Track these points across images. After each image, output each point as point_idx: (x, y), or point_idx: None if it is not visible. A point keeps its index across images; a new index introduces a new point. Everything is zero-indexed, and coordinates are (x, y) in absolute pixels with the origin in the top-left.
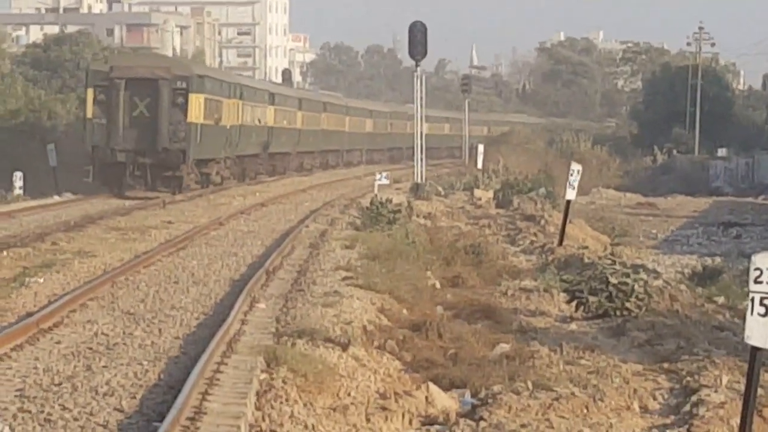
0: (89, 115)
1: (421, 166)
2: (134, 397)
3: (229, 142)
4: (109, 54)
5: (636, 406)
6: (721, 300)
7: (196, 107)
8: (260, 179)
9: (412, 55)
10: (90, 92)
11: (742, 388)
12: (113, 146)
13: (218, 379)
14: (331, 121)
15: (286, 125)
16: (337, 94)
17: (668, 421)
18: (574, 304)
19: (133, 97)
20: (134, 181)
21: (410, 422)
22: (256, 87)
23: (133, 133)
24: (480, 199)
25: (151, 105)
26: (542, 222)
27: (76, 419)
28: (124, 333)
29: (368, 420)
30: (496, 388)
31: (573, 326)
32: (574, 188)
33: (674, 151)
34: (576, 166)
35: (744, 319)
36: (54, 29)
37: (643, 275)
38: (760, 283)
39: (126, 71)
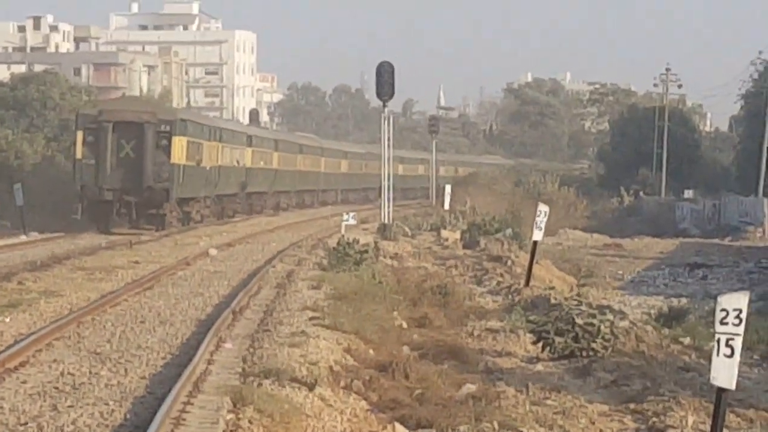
0: (79, 155)
1: (389, 206)
2: None
3: (209, 182)
4: (87, 96)
5: None
6: (687, 341)
7: (179, 149)
8: (227, 220)
9: (379, 95)
10: (80, 134)
11: (708, 429)
12: (101, 185)
13: (184, 419)
14: (307, 162)
15: (263, 166)
16: (313, 135)
17: None
18: (540, 344)
19: (120, 139)
20: (120, 218)
21: None
22: (234, 130)
23: (119, 172)
24: (447, 239)
25: (136, 147)
26: (509, 263)
27: None
28: (90, 373)
29: None
30: (462, 429)
31: (539, 367)
32: (541, 229)
33: (641, 193)
34: (543, 207)
35: (710, 360)
36: (21, 68)
37: (610, 316)
38: (726, 324)
39: (114, 115)
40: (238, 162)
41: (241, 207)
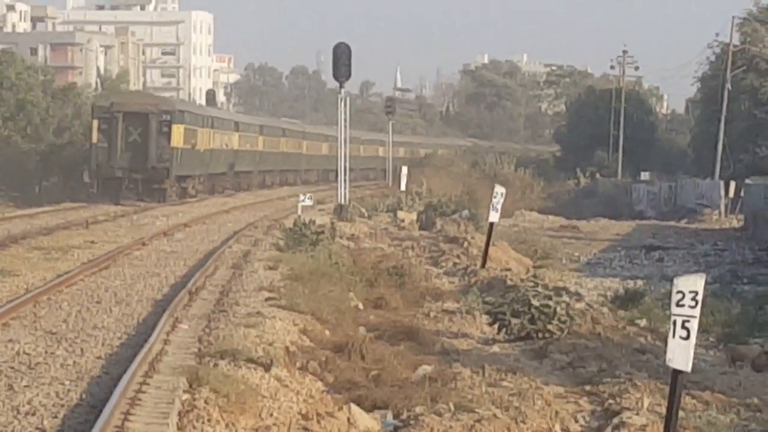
0: (94, 140)
1: (345, 187)
2: (56, 417)
3: (202, 163)
4: (43, 76)
5: (558, 428)
6: (643, 323)
7: (178, 135)
8: (184, 201)
9: (336, 76)
10: (95, 123)
11: (664, 410)
12: (112, 165)
13: (140, 399)
14: (290, 145)
15: (248, 148)
16: (296, 121)
17: None
18: (496, 326)
19: (129, 126)
20: (128, 192)
21: None
22: (223, 117)
23: (128, 154)
24: (403, 220)
25: (142, 133)
26: (465, 244)
27: None
28: (46, 352)
29: None
30: (418, 410)
31: (495, 348)
32: (497, 210)
33: (597, 175)
34: (499, 189)
35: (665, 342)
36: None
37: (566, 298)
38: (682, 306)
39: (123, 106)
40: (227, 145)
41: (230, 184)
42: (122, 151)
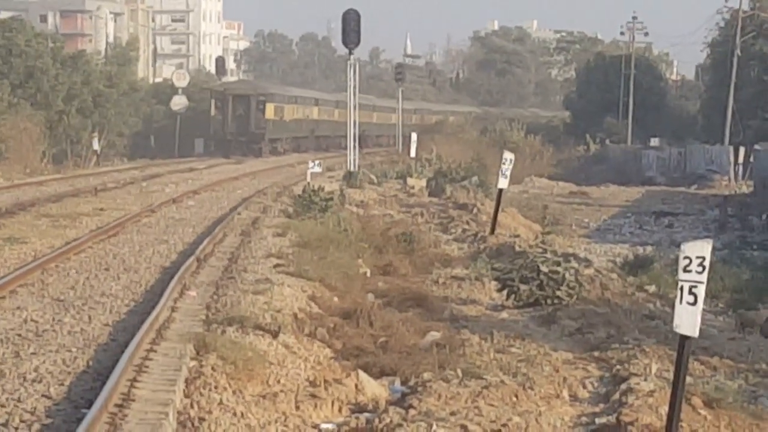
0: (213, 114)
1: (354, 154)
2: (62, 384)
3: (288, 130)
4: (53, 43)
5: (566, 394)
6: (652, 289)
7: (270, 110)
8: (193, 168)
9: (345, 43)
10: (213, 102)
11: (671, 376)
12: (224, 131)
13: (147, 366)
14: (362, 115)
15: (326, 118)
16: (371, 96)
17: (597, 409)
18: (505, 292)
19: (236, 104)
20: (235, 149)
21: (340, 410)
22: (305, 96)
23: (235, 124)
24: (413, 187)
25: (245, 109)
26: (474, 210)
27: (3, 406)
28: (53, 320)
29: (298, 408)
30: (426, 376)
31: (504, 314)
32: (506, 177)
33: (607, 141)
34: (508, 155)
35: (674, 307)
36: None
37: (575, 264)
38: (690, 271)
39: (232, 90)
40: (308, 116)
41: (312, 145)
42: (231, 122)
